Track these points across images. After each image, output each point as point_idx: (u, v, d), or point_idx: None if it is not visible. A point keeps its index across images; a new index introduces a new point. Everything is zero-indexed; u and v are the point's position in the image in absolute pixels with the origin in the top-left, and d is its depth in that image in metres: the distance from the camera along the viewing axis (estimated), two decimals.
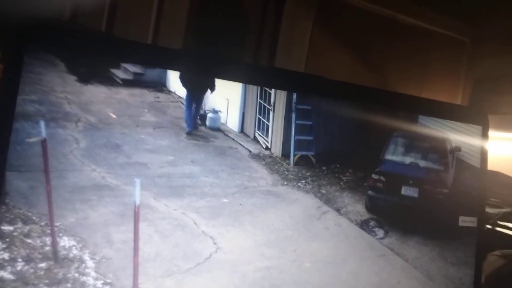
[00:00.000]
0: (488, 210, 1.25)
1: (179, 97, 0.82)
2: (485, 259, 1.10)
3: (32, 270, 0.64)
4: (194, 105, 0.82)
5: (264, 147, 0.88)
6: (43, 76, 0.68)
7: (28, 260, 0.64)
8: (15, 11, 0.88)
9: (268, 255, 0.79)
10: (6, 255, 0.63)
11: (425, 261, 0.90)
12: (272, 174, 0.85)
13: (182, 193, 0.76)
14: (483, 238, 0.95)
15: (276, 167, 0.86)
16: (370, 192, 0.90)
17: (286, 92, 0.86)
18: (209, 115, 0.84)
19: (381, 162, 0.92)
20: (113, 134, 0.74)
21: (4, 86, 0.64)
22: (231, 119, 0.87)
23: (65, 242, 0.67)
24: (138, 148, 0.76)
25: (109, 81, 0.74)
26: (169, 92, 0.82)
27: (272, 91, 0.86)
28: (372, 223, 0.88)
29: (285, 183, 0.84)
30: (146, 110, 0.79)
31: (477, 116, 0.97)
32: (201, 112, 0.83)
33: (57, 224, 0.66)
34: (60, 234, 0.66)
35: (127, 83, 0.77)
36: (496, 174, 1.38)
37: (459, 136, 0.96)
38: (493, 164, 1.01)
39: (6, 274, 0.62)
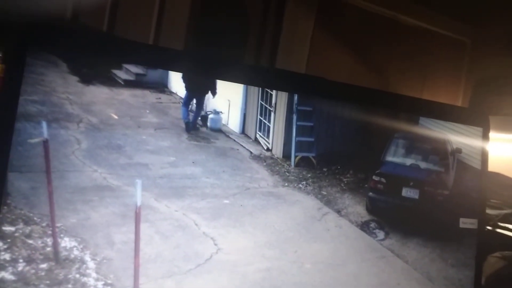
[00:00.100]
0: (489, 211, 1.25)
1: (181, 98, 0.82)
2: (485, 261, 1.10)
3: (33, 271, 0.64)
4: (195, 105, 0.83)
5: (265, 148, 0.88)
6: (45, 76, 0.68)
7: (29, 260, 0.64)
8: (17, 11, 0.88)
9: (269, 256, 0.79)
10: (7, 256, 0.63)
11: (425, 263, 0.90)
12: (273, 175, 0.85)
13: (183, 194, 0.77)
14: (483, 239, 0.96)
15: (277, 168, 0.86)
16: (370, 193, 0.90)
17: (287, 93, 0.86)
18: (211, 116, 0.84)
19: (381, 164, 0.92)
20: (115, 135, 0.74)
21: (6, 87, 0.64)
22: (232, 120, 0.87)
23: (66, 243, 0.67)
24: (140, 149, 0.76)
25: (111, 82, 0.75)
26: (171, 93, 0.82)
27: (273, 92, 0.86)
28: (372, 225, 0.88)
29: (286, 184, 0.84)
30: (147, 111, 0.79)
31: (478, 118, 0.98)
32: (203, 113, 0.83)
33: (58, 225, 0.66)
34: (61, 235, 0.66)
35: (128, 84, 0.77)
36: (496, 175, 1.38)
37: (459, 138, 0.96)
38: (493, 165, 1.01)
39: (7, 275, 0.62)
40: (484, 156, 0.97)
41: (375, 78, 1.50)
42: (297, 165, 0.87)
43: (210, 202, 0.77)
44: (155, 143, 0.77)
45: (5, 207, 0.63)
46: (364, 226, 0.88)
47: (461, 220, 0.94)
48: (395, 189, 0.92)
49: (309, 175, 0.86)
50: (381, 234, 0.88)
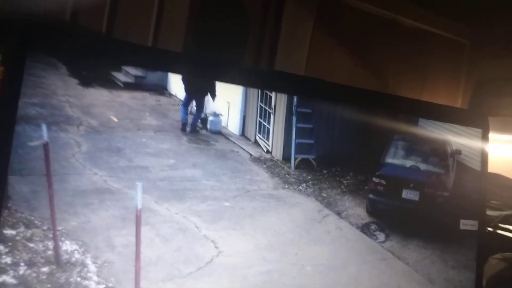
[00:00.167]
0: (489, 212, 1.25)
1: (180, 100, 0.82)
2: (486, 262, 1.10)
3: (34, 274, 0.64)
4: (194, 107, 0.83)
5: (265, 150, 0.88)
6: (45, 79, 0.67)
7: (30, 264, 0.64)
8: (16, 14, 0.88)
9: (269, 258, 0.79)
10: (8, 259, 0.63)
11: (426, 265, 0.90)
12: (273, 177, 0.85)
13: (184, 197, 0.76)
14: (484, 241, 0.96)
15: (277, 170, 0.86)
16: (371, 195, 0.90)
17: (286, 95, 0.86)
18: (210, 118, 0.84)
19: (381, 165, 0.92)
20: (115, 137, 0.74)
21: (6, 89, 0.63)
22: (232, 122, 0.87)
23: (67, 246, 0.67)
24: (140, 152, 0.76)
25: (111, 84, 0.75)
26: (170, 95, 0.82)
27: (273, 94, 0.86)
28: (373, 227, 0.88)
29: (286, 186, 0.84)
30: (147, 114, 0.79)
31: (477, 119, 0.98)
32: (202, 115, 0.83)
33: (59, 228, 0.66)
34: (62, 238, 0.66)
35: (128, 86, 0.77)
36: (496, 177, 1.38)
37: (459, 139, 0.96)
38: (493, 166, 1.01)
39: (8, 278, 0.62)
40: (483, 157, 0.97)
41: (375, 79, 1.50)
42: (297, 167, 0.87)
43: (211, 204, 0.77)
44: (155, 145, 0.77)
45: (6, 211, 0.63)
46: (364, 228, 0.88)
47: (462, 221, 0.94)
48: (395, 191, 0.92)
49: (309, 177, 0.86)
50: (381, 236, 0.88)
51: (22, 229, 0.64)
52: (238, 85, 0.83)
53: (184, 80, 0.80)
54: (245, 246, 0.78)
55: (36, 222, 0.65)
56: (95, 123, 0.72)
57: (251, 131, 0.89)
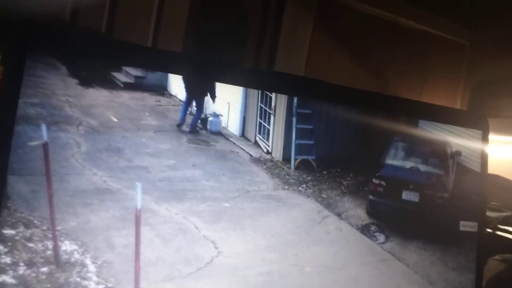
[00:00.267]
0: (489, 213, 1.25)
1: (180, 100, 0.82)
2: (486, 264, 1.10)
3: (34, 274, 0.64)
4: (195, 108, 0.82)
5: (265, 151, 0.88)
6: (44, 79, 0.67)
7: (30, 264, 0.64)
8: (16, 14, 0.88)
9: (269, 259, 0.79)
10: (8, 259, 0.63)
11: (426, 266, 0.90)
12: (273, 178, 0.85)
13: (183, 197, 0.76)
14: (483, 242, 0.96)
15: (277, 171, 0.86)
16: (370, 196, 0.90)
17: (287, 96, 0.86)
18: (210, 119, 0.84)
19: (381, 167, 0.92)
20: (114, 137, 0.74)
21: (6, 89, 0.63)
22: (232, 123, 0.87)
23: (66, 246, 0.67)
24: (139, 152, 0.76)
25: (111, 84, 0.74)
26: (170, 95, 0.82)
27: (273, 95, 0.86)
28: (373, 228, 0.88)
29: (286, 187, 0.84)
30: (147, 114, 0.79)
31: (477, 120, 0.98)
32: (203, 116, 0.83)
33: (58, 228, 0.66)
34: (62, 238, 0.66)
35: (128, 87, 0.77)
36: (496, 178, 1.38)
37: (459, 140, 0.96)
38: (493, 167, 1.01)
39: (8, 278, 0.62)
40: (483, 158, 0.97)
41: (374, 80, 1.50)
42: (297, 168, 0.87)
43: (210, 205, 0.77)
44: (155, 146, 0.77)
45: (6, 210, 0.63)
46: (364, 229, 0.88)
47: (461, 223, 0.94)
48: (395, 192, 0.92)
49: (309, 178, 0.86)
50: (381, 237, 0.88)
51: (21, 229, 0.64)
52: (238, 86, 0.83)
53: (184, 79, 0.80)
54: (245, 246, 0.78)
55: (35, 222, 0.65)
56: (95, 123, 0.72)
57: (251, 131, 0.89)
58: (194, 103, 0.83)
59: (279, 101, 0.87)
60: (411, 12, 1.54)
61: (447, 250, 0.93)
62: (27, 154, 0.65)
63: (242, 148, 0.87)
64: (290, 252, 0.80)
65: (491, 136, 0.98)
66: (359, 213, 0.88)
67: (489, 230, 1.27)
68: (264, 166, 0.86)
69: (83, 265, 0.67)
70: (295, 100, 0.86)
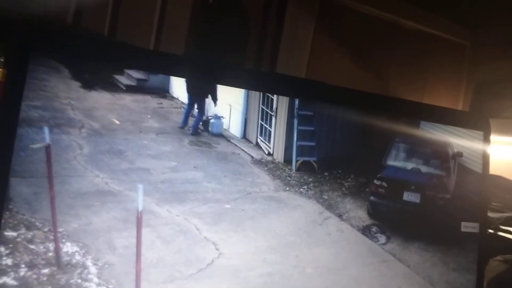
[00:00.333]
0: (490, 214, 1.25)
1: (182, 103, 0.82)
2: (487, 265, 1.10)
3: (35, 276, 0.64)
4: (196, 110, 0.83)
5: (266, 152, 0.88)
6: (47, 82, 0.68)
7: (31, 266, 0.64)
8: (18, 16, 0.88)
9: (270, 260, 0.79)
10: (9, 261, 0.63)
11: (427, 267, 0.90)
12: (274, 179, 0.85)
13: (185, 199, 0.77)
14: (485, 243, 0.95)
15: (278, 172, 0.86)
16: (372, 197, 0.90)
17: (288, 98, 0.86)
18: (212, 120, 0.85)
19: (383, 168, 0.92)
20: (116, 140, 0.74)
21: (8, 92, 0.64)
22: (233, 125, 0.87)
23: (68, 248, 0.67)
24: (141, 154, 0.76)
25: (113, 87, 0.75)
26: (172, 98, 0.82)
27: (274, 97, 0.86)
28: (374, 229, 0.88)
29: (287, 188, 0.84)
30: (149, 116, 0.79)
31: (478, 121, 0.98)
32: (204, 117, 0.83)
33: (60, 230, 0.66)
34: (63, 240, 0.67)
35: (130, 89, 0.77)
36: (498, 178, 1.38)
37: (460, 141, 0.96)
38: (494, 168, 1.01)
39: (9, 280, 0.62)
40: (485, 159, 0.97)
41: (376, 82, 1.50)
42: (298, 169, 0.87)
43: (212, 206, 0.77)
44: (156, 148, 0.78)
45: (7, 212, 0.63)
46: (365, 231, 0.88)
47: (463, 224, 0.94)
48: (397, 193, 0.92)
49: (310, 179, 0.86)
50: (382, 238, 0.88)
51: (23, 230, 0.64)
52: (240, 88, 0.83)
53: (186, 80, 0.80)
54: (246, 248, 0.78)
55: (37, 224, 0.65)
56: (97, 125, 0.73)
57: (252, 133, 0.89)
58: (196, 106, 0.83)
59: (281, 103, 0.87)
60: (412, 13, 1.54)
61: (448, 251, 0.93)
62: (29, 156, 0.65)
63: (243, 150, 0.87)
64: (291, 254, 0.80)
65: (493, 137, 0.98)
66: (360, 214, 0.88)
67: (490, 231, 1.26)
68: (266, 168, 0.86)
69: (84, 266, 0.67)
70: (297, 102, 0.86)
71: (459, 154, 0.97)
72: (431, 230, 0.93)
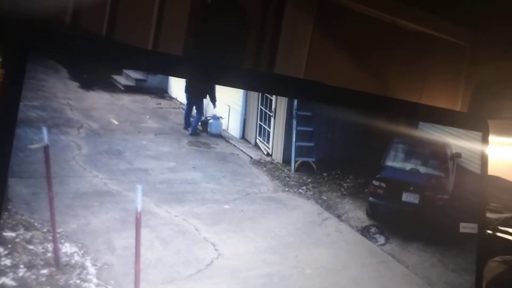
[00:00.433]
0: (489, 215, 1.25)
1: (181, 103, 0.82)
2: (486, 265, 1.10)
3: (34, 277, 0.64)
4: (195, 110, 0.83)
5: (265, 153, 0.88)
6: (45, 82, 0.68)
7: (30, 266, 0.64)
8: (17, 16, 0.88)
9: (269, 261, 0.79)
10: (8, 262, 0.63)
11: (426, 268, 0.90)
12: (273, 180, 0.85)
13: (184, 199, 0.76)
14: (483, 243, 0.96)
15: (277, 173, 0.86)
16: (371, 198, 0.90)
17: (287, 98, 0.86)
18: (211, 121, 0.85)
19: (381, 169, 0.92)
20: (115, 140, 0.74)
21: (6, 92, 0.64)
22: (232, 125, 0.87)
23: (66, 248, 0.67)
24: (140, 154, 0.76)
25: (111, 87, 0.75)
26: (171, 98, 0.82)
27: (273, 98, 0.86)
28: (373, 230, 0.88)
29: (286, 189, 0.84)
30: (147, 117, 0.79)
31: (477, 122, 0.98)
32: (203, 118, 0.83)
33: (59, 230, 0.66)
34: (62, 241, 0.66)
35: (129, 90, 0.77)
36: (496, 179, 1.38)
37: (459, 142, 0.96)
38: (493, 169, 1.01)
39: (8, 281, 0.62)
40: (483, 160, 0.97)
41: (374, 82, 1.50)
42: (297, 170, 0.87)
43: (211, 207, 0.77)
44: (155, 148, 0.77)
45: (6, 213, 0.63)
46: (364, 231, 0.88)
47: (461, 224, 0.94)
48: (395, 194, 0.92)
49: (309, 180, 0.86)
50: (381, 239, 0.89)
51: (21, 231, 0.64)
52: (238, 88, 0.83)
53: (186, 80, 0.80)
54: (245, 248, 0.78)
55: (36, 224, 0.65)
56: (96, 126, 0.73)
57: (251, 134, 0.89)
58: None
59: (279, 104, 0.87)
60: (411, 14, 1.54)
61: (447, 251, 0.93)
62: (28, 156, 0.65)
63: (242, 150, 0.87)
64: (290, 254, 0.80)
65: (491, 138, 0.98)
66: (359, 215, 0.88)
67: (489, 231, 1.27)
68: (264, 168, 0.86)
69: (83, 267, 0.67)
70: (295, 102, 0.86)
71: (458, 155, 0.97)
72: (430, 230, 0.93)
